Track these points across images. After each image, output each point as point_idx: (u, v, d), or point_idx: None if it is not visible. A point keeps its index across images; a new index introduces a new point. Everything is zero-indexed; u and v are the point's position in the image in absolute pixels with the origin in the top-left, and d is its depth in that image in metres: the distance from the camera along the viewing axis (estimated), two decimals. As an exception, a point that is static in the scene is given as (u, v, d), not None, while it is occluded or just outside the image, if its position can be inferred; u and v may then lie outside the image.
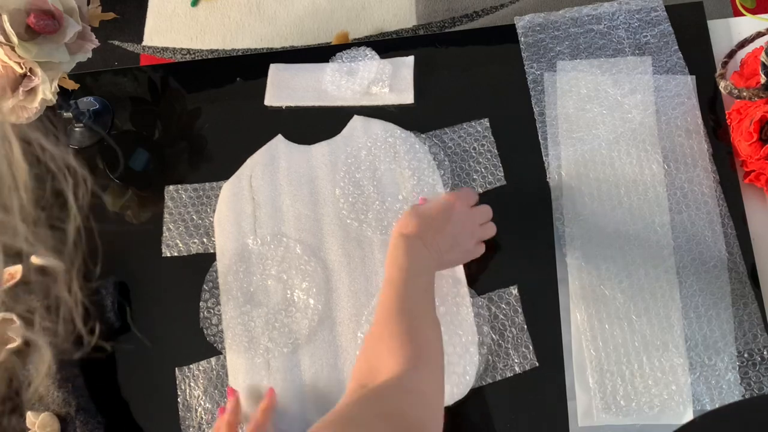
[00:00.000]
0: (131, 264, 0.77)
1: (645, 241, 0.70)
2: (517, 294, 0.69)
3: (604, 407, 0.64)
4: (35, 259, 0.71)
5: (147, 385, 0.72)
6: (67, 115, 0.81)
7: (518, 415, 0.65)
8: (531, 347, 0.67)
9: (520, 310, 0.69)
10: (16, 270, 0.69)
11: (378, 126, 0.79)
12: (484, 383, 0.67)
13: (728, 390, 0.64)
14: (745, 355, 0.65)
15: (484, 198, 0.74)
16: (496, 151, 0.76)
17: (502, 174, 0.75)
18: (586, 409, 0.65)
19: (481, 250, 0.70)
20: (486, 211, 0.71)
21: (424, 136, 0.78)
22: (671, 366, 0.65)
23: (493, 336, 0.68)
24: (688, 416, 0.63)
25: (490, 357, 0.67)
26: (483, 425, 0.65)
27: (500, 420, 0.65)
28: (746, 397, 0.63)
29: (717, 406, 0.63)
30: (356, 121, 0.80)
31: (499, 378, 0.66)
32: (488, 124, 0.78)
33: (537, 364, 0.67)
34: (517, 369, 0.67)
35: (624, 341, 0.66)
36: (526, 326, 0.68)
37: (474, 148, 0.77)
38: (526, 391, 0.66)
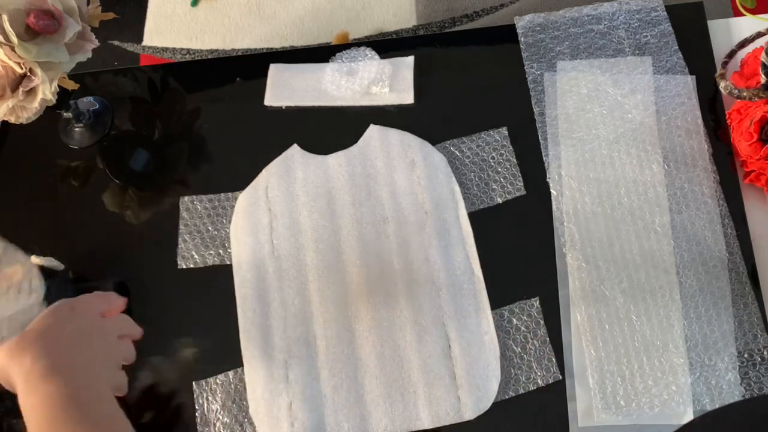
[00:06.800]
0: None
1: (645, 241, 0.70)
2: (539, 306, 0.69)
3: (604, 407, 0.64)
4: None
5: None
6: (67, 115, 0.81)
7: (518, 414, 0.65)
8: (554, 360, 0.66)
9: (542, 322, 0.68)
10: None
11: (394, 136, 0.78)
12: (506, 396, 0.66)
13: (728, 390, 0.64)
14: (746, 356, 0.65)
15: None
16: (515, 160, 0.75)
17: (522, 184, 0.74)
18: (586, 409, 0.65)
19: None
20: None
21: (440, 145, 0.77)
22: (671, 366, 0.65)
23: (515, 349, 0.67)
24: (689, 416, 0.63)
25: (512, 370, 0.66)
26: (482, 424, 0.65)
27: (499, 420, 0.65)
28: (746, 397, 0.63)
29: (717, 406, 0.63)
30: (372, 130, 0.79)
31: (522, 391, 0.65)
32: (506, 132, 0.77)
33: (560, 377, 0.66)
34: (540, 382, 0.66)
35: (624, 341, 0.66)
36: (548, 339, 0.67)
37: (492, 158, 0.76)
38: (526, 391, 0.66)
